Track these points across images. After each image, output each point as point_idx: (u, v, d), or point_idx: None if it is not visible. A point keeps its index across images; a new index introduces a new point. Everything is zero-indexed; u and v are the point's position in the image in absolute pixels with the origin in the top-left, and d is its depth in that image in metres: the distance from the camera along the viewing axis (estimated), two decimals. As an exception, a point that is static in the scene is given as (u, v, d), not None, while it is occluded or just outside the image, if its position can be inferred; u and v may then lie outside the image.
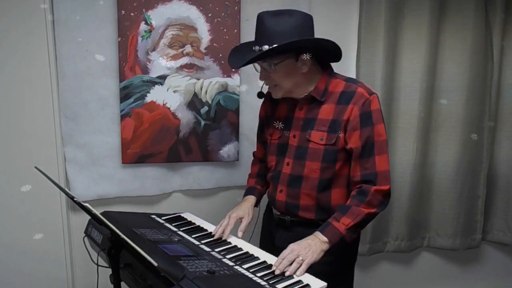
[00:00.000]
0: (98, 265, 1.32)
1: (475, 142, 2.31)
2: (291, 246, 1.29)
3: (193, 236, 1.45)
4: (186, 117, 1.95)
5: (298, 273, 1.22)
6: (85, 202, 1.13)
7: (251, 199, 1.61)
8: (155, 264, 0.96)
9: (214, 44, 1.92)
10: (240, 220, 1.51)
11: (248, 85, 2.00)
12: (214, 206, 2.10)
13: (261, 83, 1.47)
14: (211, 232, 1.49)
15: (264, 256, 1.32)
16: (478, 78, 2.24)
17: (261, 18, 1.34)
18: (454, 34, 2.21)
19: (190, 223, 1.59)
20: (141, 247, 0.98)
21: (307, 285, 1.17)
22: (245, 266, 1.24)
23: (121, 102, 1.86)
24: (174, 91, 1.91)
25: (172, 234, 1.43)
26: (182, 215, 1.67)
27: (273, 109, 1.57)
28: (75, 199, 1.14)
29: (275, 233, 1.57)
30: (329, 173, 1.40)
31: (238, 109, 2.02)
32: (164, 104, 1.91)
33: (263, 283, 1.14)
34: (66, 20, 1.75)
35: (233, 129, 2.03)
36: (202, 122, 1.98)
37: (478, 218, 2.42)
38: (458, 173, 2.31)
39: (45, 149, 1.82)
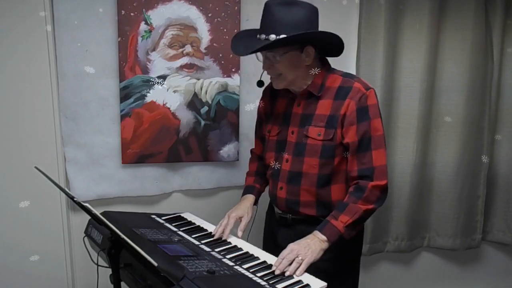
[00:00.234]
0: (98, 265, 1.32)
1: (475, 142, 2.31)
2: (291, 246, 1.29)
3: (193, 236, 1.45)
4: (186, 117, 1.95)
5: (297, 272, 1.22)
6: (85, 202, 1.13)
7: (250, 198, 1.61)
8: (155, 264, 0.96)
9: (214, 44, 1.92)
10: (239, 219, 1.51)
11: (248, 85, 2.00)
12: (214, 206, 2.10)
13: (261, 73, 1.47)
14: (211, 232, 1.49)
15: (264, 256, 1.32)
16: (478, 78, 2.24)
17: (269, 7, 1.33)
18: (454, 34, 2.21)
19: (190, 223, 1.59)
20: (141, 247, 0.98)
21: (307, 285, 1.17)
22: (245, 266, 1.24)
23: (121, 102, 1.86)
24: (174, 91, 1.91)
25: (172, 234, 1.43)
26: (182, 215, 1.67)
27: (272, 105, 1.57)
28: (75, 199, 1.14)
29: (277, 232, 1.57)
30: (328, 168, 1.40)
31: (238, 109, 2.02)
32: (164, 104, 1.91)
33: (263, 283, 1.14)
34: (66, 20, 1.75)
35: (233, 129, 2.03)
36: (202, 122, 1.98)
37: (478, 218, 2.42)
38: (458, 173, 2.31)
39: (45, 149, 1.82)
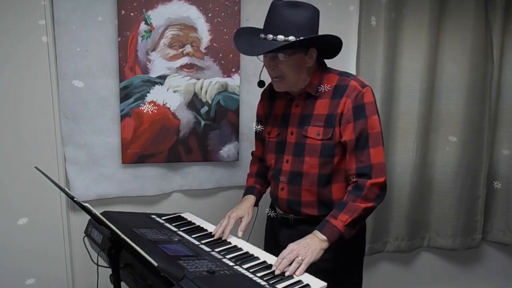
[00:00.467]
0: (98, 265, 1.32)
1: (475, 142, 2.31)
2: (291, 246, 1.29)
3: (193, 236, 1.45)
4: (186, 117, 1.95)
5: (297, 272, 1.22)
6: (85, 202, 1.13)
7: (251, 198, 1.61)
8: (155, 264, 0.96)
9: (214, 44, 1.92)
10: (240, 219, 1.51)
11: (248, 85, 2.00)
12: (214, 206, 2.10)
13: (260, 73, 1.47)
14: (211, 232, 1.49)
15: (264, 256, 1.32)
16: (478, 78, 2.24)
17: (276, 7, 1.34)
18: (454, 34, 2.21)
19: (190, 223, 1.59)
20: (141, 247, 0.98)
21: (307, 285, 1.17)
22: (245, 266, 1.24)
23: (121, 102, 1.86)
24: (174, 91, 1.91)
25: (172, 234, 1.43)
26: (182, 215, 1.67)
27: (271, 107, 1.57)
28: (75, 199, 1.14)
29: (279, 232, 1.57)
30: (328, 168, 1.41)
31: (238, 109, 2.02)
32: (164, 104, 1.91)
33: (263, 283, 1.14)
34: (66, 20, 1.75)
35: (233, 129, 2.03)
36: (202, 122, 1.98)
37: (478, 218, 2.42)
38: (458, 173, 2.31)
39: (45, 149, 1.82)
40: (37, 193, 1.82)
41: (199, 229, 1.54)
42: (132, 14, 1.80)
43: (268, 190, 1.65)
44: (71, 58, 1.78)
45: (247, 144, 2.05)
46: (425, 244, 2.45)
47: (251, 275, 1.18)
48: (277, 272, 1.21)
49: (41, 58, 1.75)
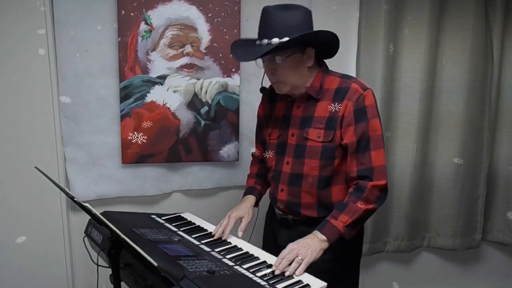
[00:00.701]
0: (98, 265, 1.32)
1: (475, 142, 2.31)
2: (290, 246, 1.29)
3: (193, 236, 1.45)
4: (186, 117, 1.95)
5: (297, 272, 1.22)
6: (85, 202, 1.13)
7: (251, 198, 1.61)
8: (155, 264, 0.96)
9: (214, 44, 1.92)
10: (240, 220, 1.51)
11: (248, 85, 2.00)
12: (214, 206, 2.10)
13: (260, 81, 1.47)
14: (211, 232, 1.49)
15: (264, 256, 1.32)
16: (478, 78, 2.24)
17: (268, 12, 1.34)
18: (454, 34, 2.21)
19: (190, 223, 1.59)
20: (141, 247, 0.98)
21: (307, 285, 1.17)
22: (245, 266, 1.24)
23: (121, 102, 1.86)
24: (174, 91, 1.91)
25: (172, 234, 1.43)
26: (182, 215, 1.67)
27: (271, 108, 1.57)
28: (75, 199, 1.14)
29: (278, 232, 1.57)
30: (328, 170, 1.41)
31: (238, 109, 2.02)
32: (164, 104, 1.91)
33: (263, 283, 1.14)
34: (66, 20, 1.75)
35: (233, 129, 2.03)
36: (202, 122, 1.98)
37: (478, 218, 2.42)
38: (458, 173, 2.31)
39: (45, 149, 1.82)
40: (37, 193, 1.82)
41: (199, 229, 1.54)
42: (132, 14, 1.80)
43: (268, 190, 1.65)
44: (71, 58, 1.78)
45: (247, 144, 2.05)
46: (425, 244, 2.45)
47: (251, 275, 1.18)
48: (277, 272, 1.21)
49: (41, 58, 1.75)
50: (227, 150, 2.04)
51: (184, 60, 1.90)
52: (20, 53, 1.73)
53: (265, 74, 1.46)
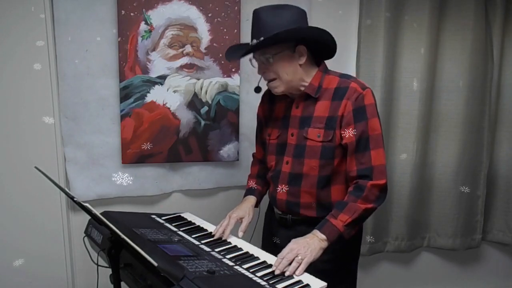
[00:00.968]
0: (98, 265, 1.32)
1: (475, 142, 2.31)
2: (290, 246, 1.29)
3: (193, 236, 1.45)
4: (186, 117, 1.95)
5: (297, 272, 1.22)
6: (85, 202, 1.13)
7: (251, 199, 1.61)
8: (155, 264, 0.96)
9: (214, 44, 1.92)
10: (240, 220, 1.51)
11: (248, 85, 2.00)
12: (214, 206, 2.10)
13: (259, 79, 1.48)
14: (211, 232, 1.49)
15: (264, 256, 1.32)
16: (478, 78, 2.24)
17: (257, 14, 1.36)
18: (454, 34, 2.21)
19: (190, 223, 1.59)
20: (141, 247, 0.98)
21: (307, 285, 1.17)
22: (245, 266, 1.24)
23: (121, 102, 1.86)
24: (174, 91, 1.91)
25: (172, 234, 1.43)
26: (182, 215, 1.67)
27: (271, 109, 1.58)
28: (75, 199, 1.14)
29: (277, 232, 1.57)
30: (328, 170, 1.41)
31: (238, 109, 2.02)
32: (164, 104, 1.91)
33: (263, 283, 1.14)
34: (66, 20, 1.75)
35: (233, 129, 2.03)
36: (202, 122, 1.98)
37: (478, 218, 2.42)
38: (458, 173, 2.31)
39: (45, 149, 1.82)
40: (37, 193, 1.83)
41: (199, 229, 1.54)
42: (132, 14, 1.80)
43: (268, 190, 1.65)
44: (71, 58, 1.78)
45: (247, 144, 2.05)
46: (425, 244, 2.45)
47: (251, 275, 1.18)
48: (277, 272, 1.21)
49: (41, 58, 1.75)
50: (227, 150, 2.04)
51: (184, 60, 1.90)
52: (20, 53, 1.73)
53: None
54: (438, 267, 2.56)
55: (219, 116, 1.99)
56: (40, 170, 1.29)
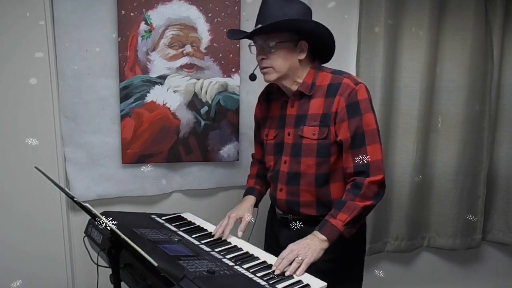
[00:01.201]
0: (98, 265, 1.32)
1: (475, 142, 2.31)
2: (291, 246, 1.28)
3: (193, 236, 1.45)
4: (186, 117, 1.95)
5: (298, 272, 1.21)
6: (85, 202, 1.13)
7: (251, 199, 1.61)
8: (155, 264, 0.96)
9: (214, 44, 1.92)
10: (239, 220, 1.51)
11: (248, 85, 2.00)
12: (214, 206, 2.10)
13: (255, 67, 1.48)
14: (211, 232, 1.49)
15: (264, 256, 1.32)
16: (478, 78, 2.24)
17: (267, 1, 1.36)
18: (454, 34, 2.21)
19: (190, 223, 1.59)
20: (141, 247, 0.98)
21: (307, 285, 1.17)
22: (245, 266, 1.24)
23: (121, 102, 1.86)
24: (174, 91, 1.91)
25: (172, 234, 1.43)
26: (182, 215, 1.67)
27: (267, 109, 1.58)
28: (75, 199, 1.14)
29: (279, 232, 1.57)
30: (325, 167, 1.40)
31: (238, 109, 2.02)
32: (164, 104, 1.91)
33: (263, 283, 1.14)
34: (66, 20, 1.75)
35: (233, 129, 2.03)
36: (202, 122, 1.98)
37: (478, 218, 2.42)
38: (458, 173, 2.31)
39: (45, 149, 1.82)
40: (37, 193, 1.83)
41: (199, 229, 1.54)
42: (132, 14, 1.80)
43: (268, 191, 1.65)
44: (71, 58, 1.78)
45: (247, 144, 2.05)
46: (425, 244, 2.45)
47: (251, 275, 1.18)
48: (277, 272, 1.21)
49: (41, 58, 1.75)
50: (227, 150, 2.04)
51: (184, 60, 1.90)
52: (20, 53, 1.73)
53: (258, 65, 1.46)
54: (438, 267, 2.56)
55: (219, 116, 1.99)
56: (40, 170, 1.29)
